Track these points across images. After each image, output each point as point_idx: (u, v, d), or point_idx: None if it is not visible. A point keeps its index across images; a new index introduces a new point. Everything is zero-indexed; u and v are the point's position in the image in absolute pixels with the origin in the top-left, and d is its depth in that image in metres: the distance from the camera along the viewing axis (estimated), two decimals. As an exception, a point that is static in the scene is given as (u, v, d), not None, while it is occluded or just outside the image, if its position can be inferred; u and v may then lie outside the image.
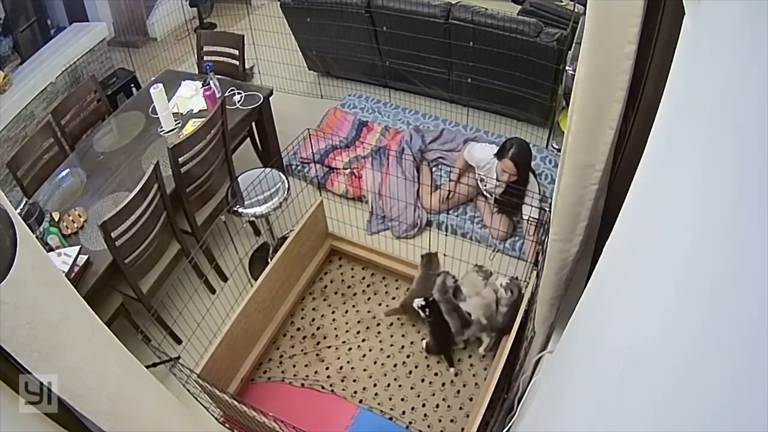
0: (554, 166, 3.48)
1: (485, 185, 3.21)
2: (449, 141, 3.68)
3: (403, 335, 2.79)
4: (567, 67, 3.26)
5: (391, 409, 2.53)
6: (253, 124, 3.42)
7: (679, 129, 0.69)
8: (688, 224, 0.57)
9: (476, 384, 2.58)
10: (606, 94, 1.12)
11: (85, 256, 2.39)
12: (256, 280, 2.65)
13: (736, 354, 0.43)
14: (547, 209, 2.64)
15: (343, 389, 2.61)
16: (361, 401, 2.57)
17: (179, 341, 2.76)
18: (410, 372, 2.65)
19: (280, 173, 2.90)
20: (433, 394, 2.56)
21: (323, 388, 2.63)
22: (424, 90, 4.13)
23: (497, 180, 3.02)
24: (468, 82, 3.76)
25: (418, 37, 3.67)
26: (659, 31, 1.04)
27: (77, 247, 2.41)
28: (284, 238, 2.91)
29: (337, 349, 2.77)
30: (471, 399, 2.53)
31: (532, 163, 3.12)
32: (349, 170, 3.59)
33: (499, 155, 2.96)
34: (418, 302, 2.59)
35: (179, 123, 3.07)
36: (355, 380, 2.64)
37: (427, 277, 2.74)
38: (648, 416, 0.58)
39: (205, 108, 3.12)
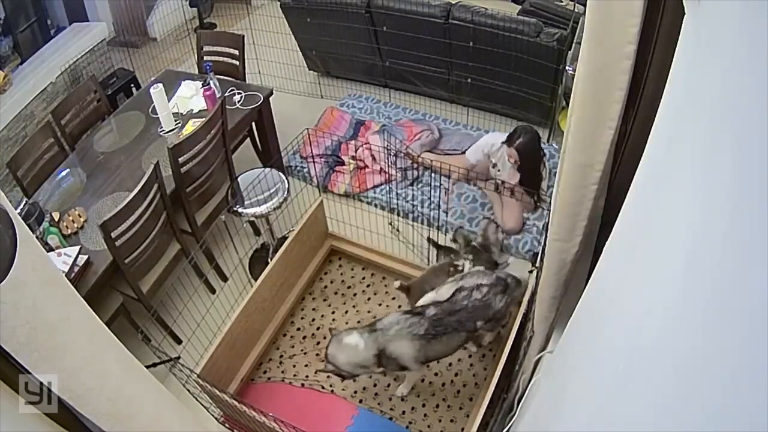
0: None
1: (498, 170, 3.21)
2: (450, 142, 3.68)
3: (403, 335, 2.78)
4: (567, 67, 3.26)
5: (391, 409, 2.52)
6: (253, 124, 3.42)
7: (679, 129, 0.69)
8: (688, 224, 0.57)
9: (476, 384, 2.58)
10: (606, 94, 1.12)
11: (85, 256, 2.39)
12: (256, 280, 2.65)
13: (737, 354, 0.43)
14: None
15: (343, 389, 2.61)
16: (361, 401, 2.57)
17: (179, 341, 2.76)
18: (410, 372, 2.65)
19: (280, 173, 2.90)
20: (433, 394, 2.56)
21: (323, 388, 2.63)
22: (424, 90, 4.12)
23: (507, 162, 3.05)
24: (468, 82, 3.76)
25: (418, 37, 3.67)
26: (659, 31, 1.04)
27: (77, 247, 2.41)
28: (284, 238, 2.91)
29: (337, 349, 2.77)
30: (471, 399, 2.53)
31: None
32: (354, 165, 3.60)
33: (508, 141, 3.00)
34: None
35: (179, 123, 3.07)
36: (355, 380, 2.64)
37: (441, 268, 2.62)
38: (648, 416, 0.58)
39: (205, 108, 3.12)
